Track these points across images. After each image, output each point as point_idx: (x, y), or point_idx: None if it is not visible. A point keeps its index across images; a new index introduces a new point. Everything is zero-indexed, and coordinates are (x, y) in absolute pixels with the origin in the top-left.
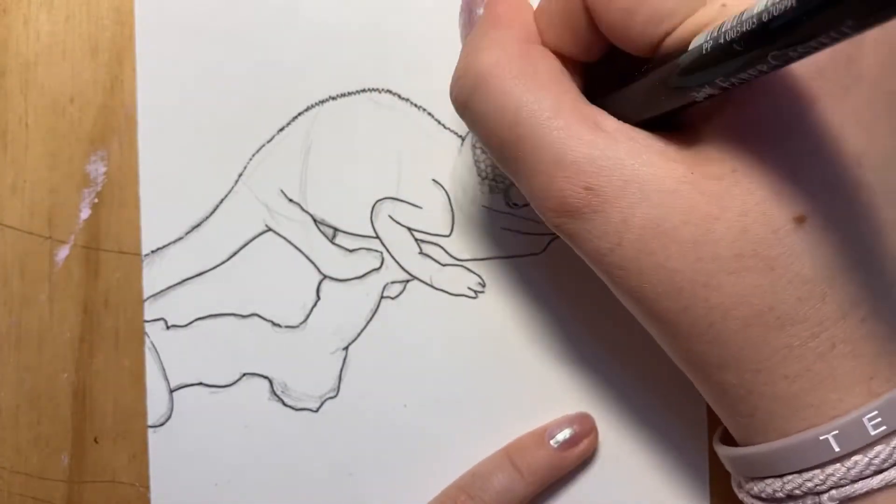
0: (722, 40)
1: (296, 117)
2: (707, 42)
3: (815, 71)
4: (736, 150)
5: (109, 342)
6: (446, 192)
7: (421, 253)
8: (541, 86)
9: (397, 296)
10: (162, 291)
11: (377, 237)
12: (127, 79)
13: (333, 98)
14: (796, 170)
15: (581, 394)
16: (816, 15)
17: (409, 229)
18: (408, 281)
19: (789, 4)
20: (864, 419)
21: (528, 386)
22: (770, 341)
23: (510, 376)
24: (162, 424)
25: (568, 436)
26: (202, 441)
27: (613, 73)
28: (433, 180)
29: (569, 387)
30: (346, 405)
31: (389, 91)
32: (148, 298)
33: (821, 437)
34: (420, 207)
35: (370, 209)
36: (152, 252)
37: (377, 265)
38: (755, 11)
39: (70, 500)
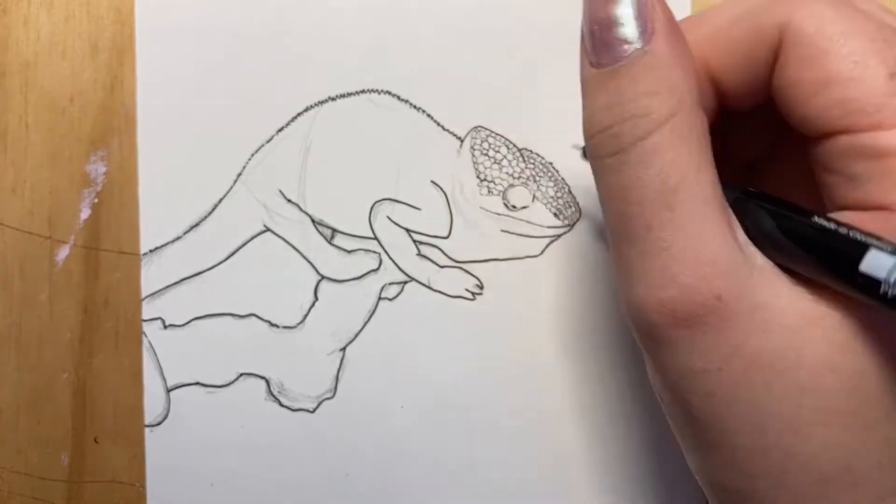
0: None
1: (295, 118)
2: None
3: None
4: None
5: (109, 342)
6: (445, 194)
7: (419, 254)
8: (705, 162)
9: (395, 297)
10: (160, 291)
11: (375, 238)
12: (127, 79)
13: (333, 99)
14: None
15: (578, 396)
16: None
17: (408, 231)
18: (406, 282)
19: None
20: None
21: (524, 388)
22: (840, 498)
23: (507, 378)
24: (159, 424)
25: None
26: (199, 441)
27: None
28: (432, 182)
29: (565, 388)
30: (343, 406)
31: (389, 92)
32: (146, 298)
33: None
34: (418, 209)
35: (368, 210)
36: (150, 251)
37: (375, 266)
38: None
39: (70, 500)
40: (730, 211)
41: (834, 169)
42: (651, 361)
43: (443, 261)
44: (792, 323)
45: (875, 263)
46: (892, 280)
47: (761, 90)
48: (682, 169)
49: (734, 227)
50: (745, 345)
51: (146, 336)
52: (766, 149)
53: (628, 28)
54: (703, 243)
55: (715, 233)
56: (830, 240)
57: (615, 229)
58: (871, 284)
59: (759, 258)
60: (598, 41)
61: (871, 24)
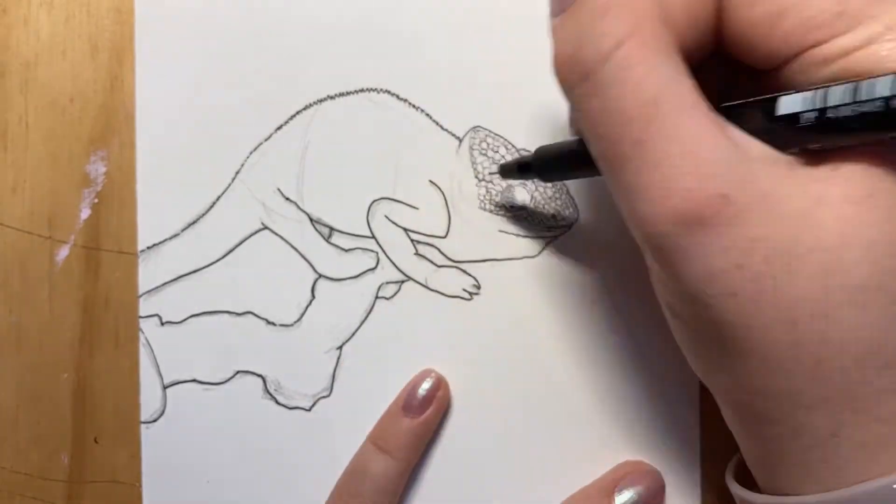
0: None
1: (294, 116)
2: (846, 100)
3: None
4: (875, 174)
5: (109, 342)
6: (443, 193)
7: (416, 254)
8: (681, 72)
9: (392, 296)
10: (157, 288)
11: (373, 237)
12: (127, 79)
13: (331, 97)
14: None
15: (574, 395)
16: None
17: (405, 230)
18: (403, 281)
19: None
20: None
21: (521, 386)
22: (874, 381)
23: (503, 378)
24: (155, 421)
25: (421, 396)
26: (195, 438)
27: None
28: (430, 181)
29: (562, 388)
30: (339, 404)
31: (387, 91)
32: (143, 295)
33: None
34: (416, 208)
35: (366, 209)
36: (148, 248)
37: (372, 265)
38: None
39: (70, 500)
40: (715, 112)
41: (800, 86)
42: (668, 277)
43: (440, 260)
44: (802, 206)
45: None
46: None
47: (707, 44)
48: (657, 80)
49: (724, 126)
50: (759, 236)
51: (143, 333)
52: (721, 96)
53: None
54: (696, 147)
55: (705, 134)
56: (830, 96)
57: (605, 155)
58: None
59: (756, 149)
60: None
61: None
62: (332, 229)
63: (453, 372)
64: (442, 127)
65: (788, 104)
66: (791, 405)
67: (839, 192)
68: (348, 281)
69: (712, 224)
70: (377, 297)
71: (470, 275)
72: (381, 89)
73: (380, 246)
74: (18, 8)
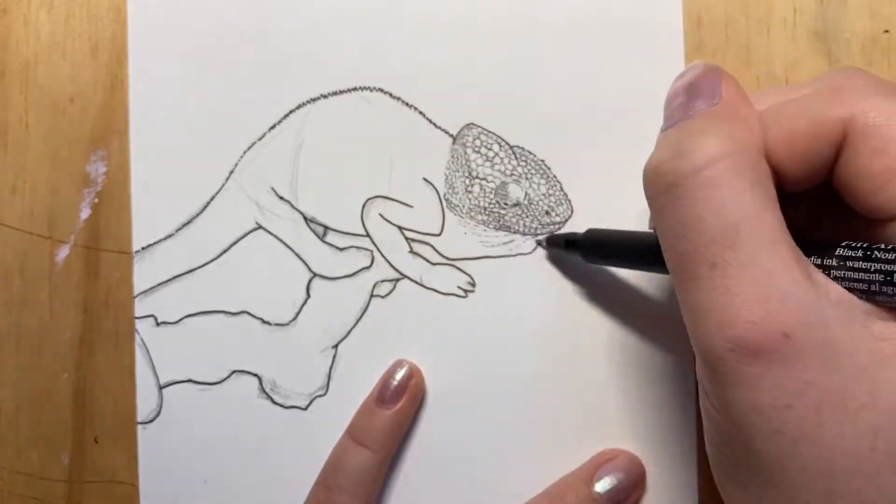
0: None
1: (287, 115)
2: None
3: None
4: None
5: (109, 342)
6: (437, 191)
7: (411, 252)
8: (768, 204)
9: (387, 294)
10: (152, 288)
11: (367, 236)
12: (127, 79)
13: (325, 96)
14: None
15: (570, 393)
16: None
17: (400, 228)
18: (398, 280)
19: None
20: None
21: (516, 384)
22: None
23: (498, 375)
24: (151, 421)
25: (394, 387)
26: (191, 438)
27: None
28: (424, 179)
29: (558, 386)
30: (336, 403)
31: (381, 90)
32: (138, 295)
33: None
34: (411, 206)
35: (361, 207)
36: (143, 249)
37: (367, 264)
38: None
39: (70, 500)
40: (799, 250)
41: None
42: (717, 397)
43: (435, 258)
44: (866, 361)
45: None
46: None
47: (819, 177)
48: (742, 206)
49: (804, 264)
50: (815, 381)
51: (138, 333)
52: (825, 226)
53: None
54: (769, 280)
55: (781, 270)
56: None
57: (677, 269)
58: None
59: (834, 293)
60: (669, 108)
61: None
62: (326, 228)
63: (448, 369)
64: (435, 125)
65: (884, 257)
66: None
67: None
68: (343, 280)
69: (770, 360)
70: (372, 296)
71: (465, 272)
72: (375, 88)
73: (374, 244)
74: (18, 8)
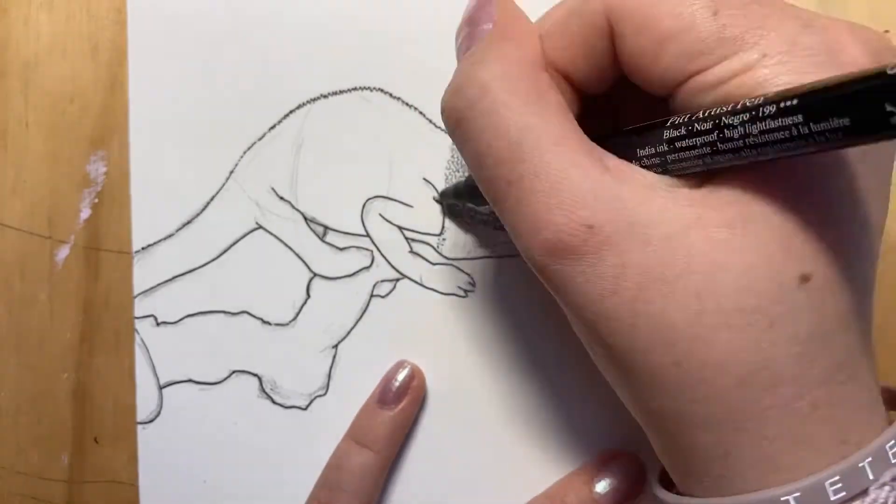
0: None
1: (287, 115)
2: (729, 118)
3: None
4: (751, 199)
5: (109, 342)
6: (437, 191)
7: (411, 252)
8: (548, 111)
9: (387, 294)
10: (152, 288)
11: (367, 235)
12: (127, 79)
13: (325, 96)
14: (810, 226)
15: (570, 393)
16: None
17: (400, 228)
18: (398, 280)
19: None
20: (826, 483)
21: (517, 383)
22: (759, 401)
23: (500, 375)
24: (151, 421)
25: (396, 388)
26: (191, 438)
27: (609, 110)
28: (424, 179)
29: (558, 385)
30: (336, 403)
31: (381, 90)
32: (138, 295)
33: (782, 499)
34: (411, 206)
35: (361, 207)
36: (143, 249)
37: (367, 263)
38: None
39: (70, 500)
40: (597, 147)
41: (691, 110)
42: (563, 306)
43: (435, 258)
44: (672, 231)
45: None
46: None
47: (612, 73)
48: (520, 121)
49: (601, 157)
50: (630, 262)
51: (138, 333)
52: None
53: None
54: (561, 181)
55: (570, 167)
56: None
57: (487, 193)
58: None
59: (632, 176)
60: (456, 43)
61: None
62: (326, 228)
63: (448, 369)
64: (435, 125)
65: (668, 127)
66: (681, 425)
67: (714, 217)
68: (343, 279)
69: (581, 253)
70: (372, 296)
71: (465, 272)
72: (375, 87)
73: (374, 244)
74: (18, 8)
